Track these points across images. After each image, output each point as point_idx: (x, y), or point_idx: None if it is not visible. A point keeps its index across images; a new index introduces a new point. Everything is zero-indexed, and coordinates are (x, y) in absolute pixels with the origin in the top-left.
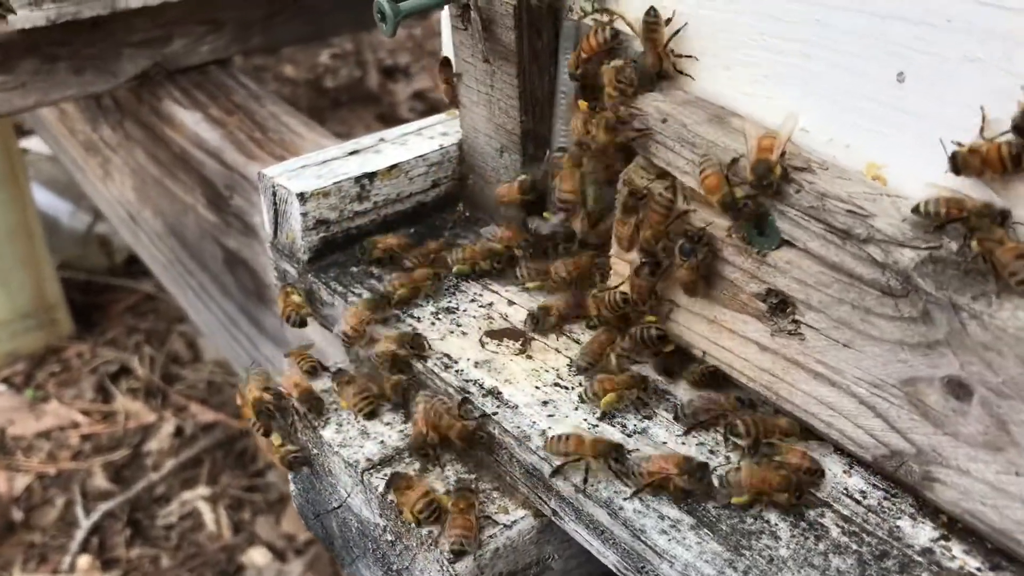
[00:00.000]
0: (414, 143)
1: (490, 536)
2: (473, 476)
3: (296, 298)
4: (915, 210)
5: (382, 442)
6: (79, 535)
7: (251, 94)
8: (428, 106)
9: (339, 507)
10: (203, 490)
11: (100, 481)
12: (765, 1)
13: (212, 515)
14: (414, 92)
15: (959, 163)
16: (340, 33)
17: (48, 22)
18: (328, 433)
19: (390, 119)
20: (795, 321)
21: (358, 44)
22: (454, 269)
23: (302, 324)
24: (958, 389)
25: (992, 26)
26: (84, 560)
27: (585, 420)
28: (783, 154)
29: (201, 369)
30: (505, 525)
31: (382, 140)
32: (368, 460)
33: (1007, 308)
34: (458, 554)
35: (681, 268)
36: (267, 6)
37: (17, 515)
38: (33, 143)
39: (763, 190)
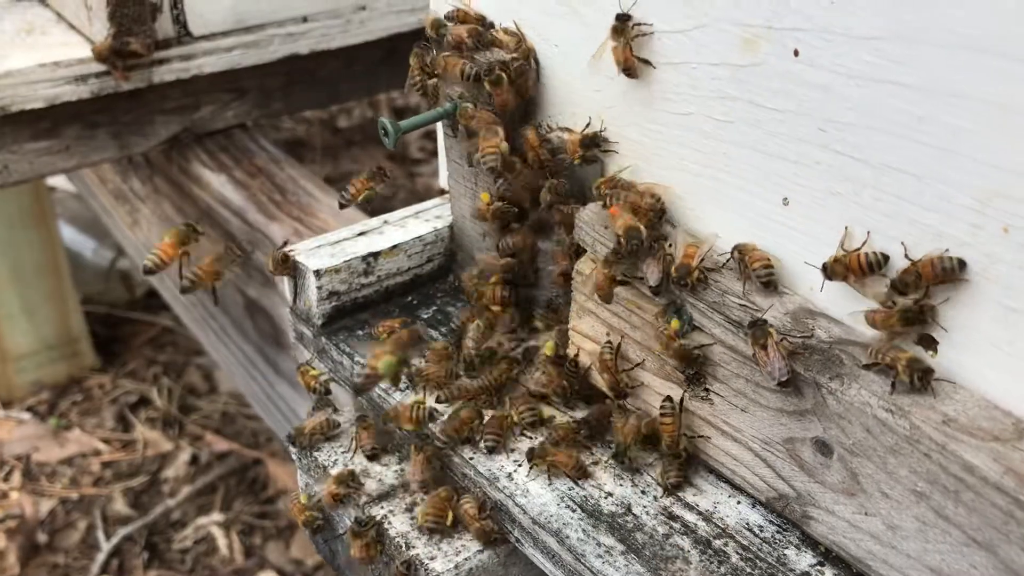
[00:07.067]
0: (412, 225)
1: (466, 559)
2: None
3: (314, 372)
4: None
5: (380, 480)
6: (100, 557)
7: (272, 158)
8: (437, 147)
9: (344, 534)
10: (217, 516)
11: (120, 506)
12: (685, 136)
13: (225, 540)
14: (424, 131)
15: (828, 271)
16: (353, 99)
17: (92, 95)
18: (335, 471)
19: (401, 159)
20: (706, 389)
21: None
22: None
23: (327, 392)
24: (823, 448)
25: (846, 171)
26: None
27: None
28: (702, 260)
29: (216, 400)
30: (478, 550)
31: (385, 223)
32: (368, 495)
33: (854, 387)
34: None
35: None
36: (286, 76)
37: (42, 537)
38: (59, 181)
39: (681, 287)
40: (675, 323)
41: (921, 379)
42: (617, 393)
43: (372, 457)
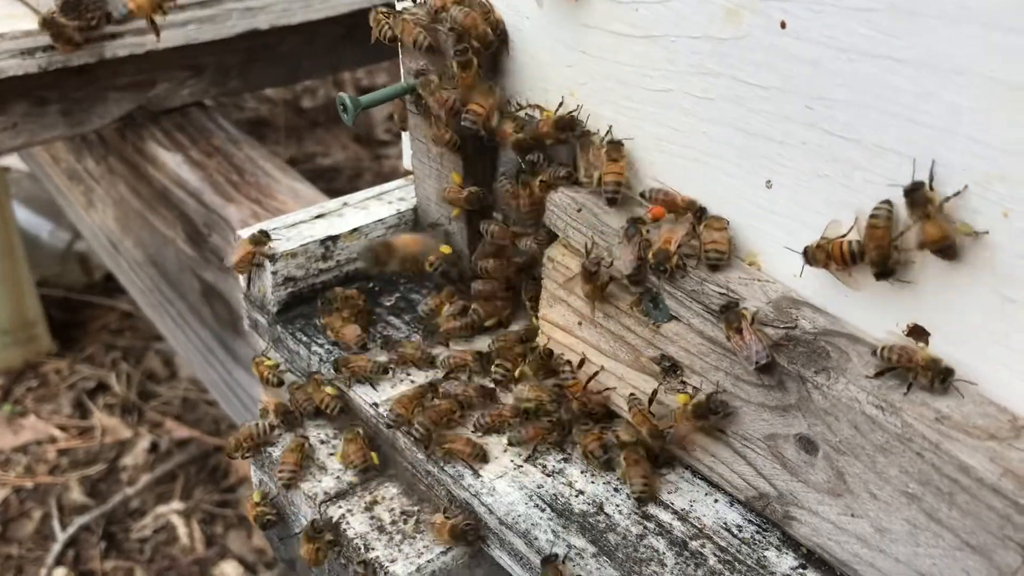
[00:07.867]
0: (374, 208)
1: (428, 561)
2: (416, 508)
3: (268, 362)
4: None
5: (338, 478)
6: (55, 548)
7: (229, 137)
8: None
9: (300, 533)
10: (177, 504)
11: (76, 495)
12: (662, 114)
13: (185, 529)
14: (389, 113)
15: (809, 257)
16: (314, 77)
17: (39, 69)
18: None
19: (366, 140)
20: (683, 382)
21: None
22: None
23: (280, 383)
24: (807, 445)
25: (835, 151)
26: (60, 573)
27: (512, 461)
28: (680, 246)
29: (176, 386)
30: (442, 551)
31: (345, 204)
32: (325, 493)
33: (841, 382)
34: None
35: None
36: (245, 53)
37: None
38: (13, 160)
39: (659, 274)
40: (683, 398)
41: (943, 381)
42: (584, 412)
43: (316, 414)
